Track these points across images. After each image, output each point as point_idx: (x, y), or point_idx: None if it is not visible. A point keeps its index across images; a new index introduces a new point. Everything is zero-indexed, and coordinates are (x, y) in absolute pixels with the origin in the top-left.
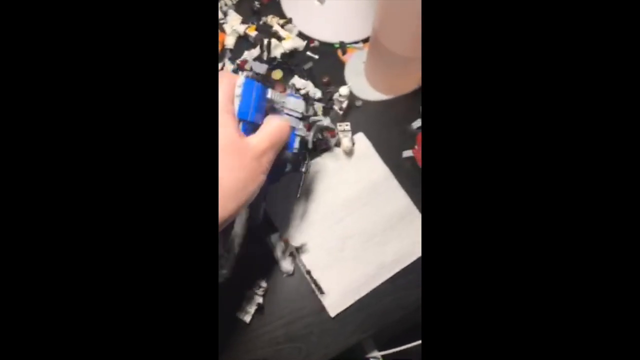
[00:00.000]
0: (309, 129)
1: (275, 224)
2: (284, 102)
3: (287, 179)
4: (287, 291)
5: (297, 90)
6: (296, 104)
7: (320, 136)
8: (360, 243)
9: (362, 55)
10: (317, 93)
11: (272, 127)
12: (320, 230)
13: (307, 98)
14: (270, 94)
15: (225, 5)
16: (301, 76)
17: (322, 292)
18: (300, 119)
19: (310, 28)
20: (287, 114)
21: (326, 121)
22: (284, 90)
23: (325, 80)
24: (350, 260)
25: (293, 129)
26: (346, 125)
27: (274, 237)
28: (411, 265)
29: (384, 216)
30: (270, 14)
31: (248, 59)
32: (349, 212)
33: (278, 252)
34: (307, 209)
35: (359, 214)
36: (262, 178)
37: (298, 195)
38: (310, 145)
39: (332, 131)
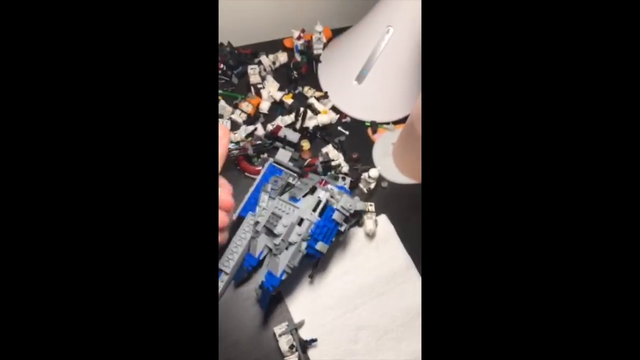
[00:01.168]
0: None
1: (287, 303)
2: (338, 198)
3: (303, 258)
4: None
5: (330, 161)
6: (347, 202)
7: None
8: (374, 337)
9: (391, 136)
10: (345, 167)
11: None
12: (333, 317)
13: (333, 168)
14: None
15: (264, 70)
16: (335, 147)
17: None
18: (348, 216)
19: (344, 104)
20: (338, 210)
21: (359, 204)
22: (311, 158)
23: (355, 156)
24: (361, 356)
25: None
26: (370, 206)
27: (278, 329)
28: None
29: (402, 310)
30: (306, 84)
31: (281, 124)
32: (364, 300)
33: (284, 347)
34: (321, 291)
35: (375, 304)
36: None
37: (312, 277)
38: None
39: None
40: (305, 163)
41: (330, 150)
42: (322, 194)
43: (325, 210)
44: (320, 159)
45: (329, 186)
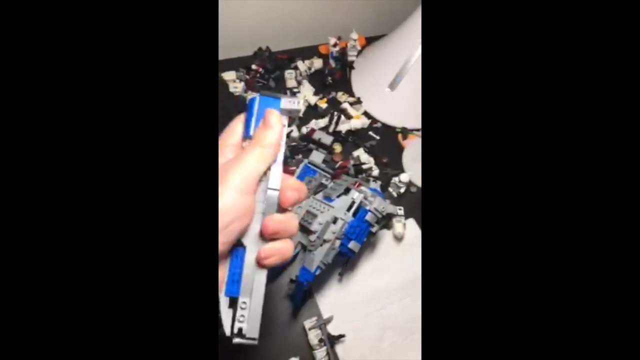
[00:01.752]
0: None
1: (317, 299)
2: (371, 200)
3: (334, 256)
4: None
5: (361, 164)
6: (380, 204)
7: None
8: (399, 337)
9: (421, 143)
10: (375, 171)
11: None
12: (360, 315)
13: (364, 170)
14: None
15: (300, 75)
16: (366, 151)
17: None
18: (380, 218)
19: (376, 110)
20: (371, 211)
21: (390, 207)
22: (343, 160)
23: (385, 160)
24: (387, 355)
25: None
26: (400, 210)
27: (308, 322)
28: None
29: None
30: (340, 89)
31: (315, 128)
32: (391, 301)
33: (313, 340)
34: (350, 290)
35: (401, 305)
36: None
37: (342, 275)
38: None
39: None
40: (337, 165)
41: (361, 153)
42: (356, 195)
43: (359, 211)
44: (352, 161)
45: (363, 188)
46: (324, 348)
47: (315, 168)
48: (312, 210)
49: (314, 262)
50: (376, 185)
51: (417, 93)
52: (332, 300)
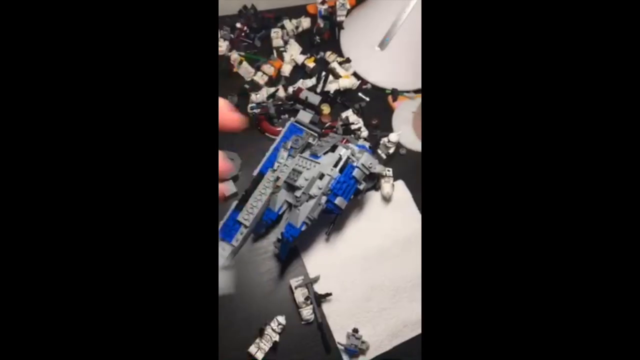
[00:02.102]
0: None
1: (303, 259)
2: (359, 156)
3: (321, 215)
4: (304, 334)
5: (350, 124)
6: (368, 160)
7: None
8: (387, 296)
9: (412, 105)
10: (365, 132)
11: None
12: (349, 273)
13: (352, 131)
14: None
15: (287, 35)
16: (355, 112)
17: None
18: (367, 175)
19: (366, 70)
20: (358, 167)
21: (378, 167)
22: (332, 121)
23: (374, 122)
24: (374, 313)
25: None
26: (388, 171)
27: (294, 281)
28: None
29: (415, 272)
30: (329, 49)
31: (302, 87)
32: (379, 261)
33: (299, 298)
34: (337, 250)
35: (389, 265)
36: None
37: (328, 234)
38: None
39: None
40: (326, 125)
41: (350, 114)
42: (343, 152)
43: (346, 167)
44: (340, 122)
45: (350, 144)
46: (310, 306)
47: (302, 127)
48: (298, 168)
49: (299, 218)
50: (365, 143)
51: (407, 53)
52: (319, 260)
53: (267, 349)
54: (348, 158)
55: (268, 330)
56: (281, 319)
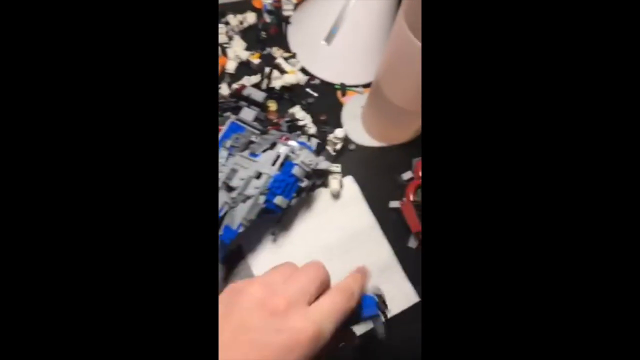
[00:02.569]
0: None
1: (247, 260)
2: (299, 154)
3: (265, 215)
4: None
5: (296, 120)
6: (307, 157)
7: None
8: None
9: (361, 100)
10: (313, 128)
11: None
12: None
13: (299, 128)
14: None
15: (232, 30)
16: (303, 108)
17: None
18: (310, 172)
19: (313, 65)
20: (298, 165)
21: (323, 163)
22: (278, 118)
23: (322, 118)
24: None
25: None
26: (336, 167)
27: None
28: (391, 319)
29: (367, 266)
30: (275, 45)
31: (246, 84)
32: (328, 258)
33: None
34: (285, 249)
35: (339, 261)
36: None
37: (275, 234)
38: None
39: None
40: (272, 122)
41: (297, 111)
42: (282, 149)
43: (285, 164)
44: (286, 118)
45: (290, 142)
46: None
47: (243, 125)
48: (236, 167)
49: (235, 220)
50: (310, 142)
51: (354, 47)
52: (266, 262)
53: None
54: (287, 156)
55: None
56: None
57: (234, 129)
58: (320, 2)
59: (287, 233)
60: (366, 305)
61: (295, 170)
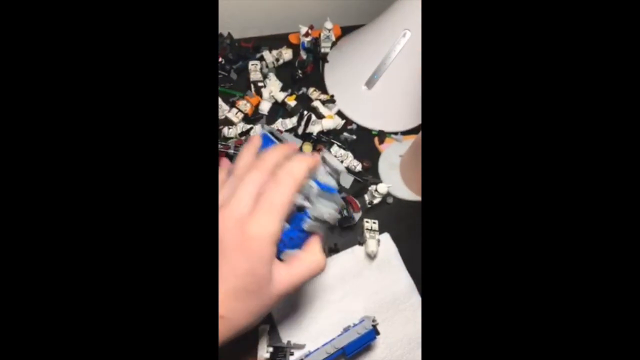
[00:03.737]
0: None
1: (277, 327)
2: (314, 201)
3: None
4: None
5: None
6: (323, 211)
7: (346, 212)
8: None
9: (400, 148)
10: (359, 166)
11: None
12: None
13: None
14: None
15: (267, 67)
16: (341, 147)
17: None
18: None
19: (351, 110)
20: (309, 219)
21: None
22: (314, 152)
23: (365, 164)
24: None
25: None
26: (374, 223)
27: (262, 328)
28: None
29: (402, 339)
30: (311, 85)
31: (281, 128)
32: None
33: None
34: (317, 316)
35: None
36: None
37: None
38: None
39: (356, 205)
40: None
41: (336, 150)
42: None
43: (295, 216)
44: (322, 153)
45: (310, 182)
46: None
47: (274, 139)
48: None
49: None
50: (329, 179)
51: (396, 93)
52: (295, 328)
53: None
54: (298, 205)
55: None
56: None
57: (265, 143)
58: (361, 43)
59: (319, 297)
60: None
61: (308, 226)
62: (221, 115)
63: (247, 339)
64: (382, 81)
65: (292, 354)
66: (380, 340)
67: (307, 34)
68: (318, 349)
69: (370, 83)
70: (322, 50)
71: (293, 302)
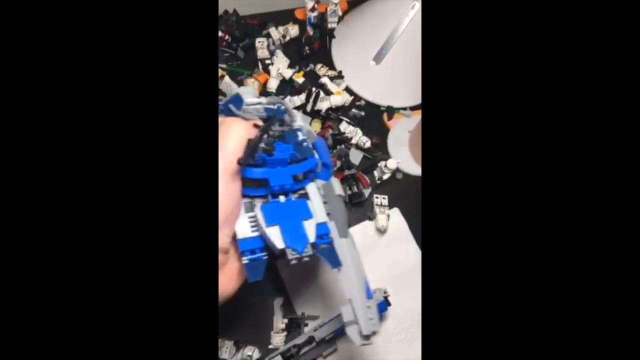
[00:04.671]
0: (341, 179)
1: (292, 299)
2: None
3: None
4: None
5: (342, 134)
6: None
7: (355, 188)
8: (382, 338)
9: (409, 124)
10: (368, 142)
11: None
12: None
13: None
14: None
15: (273, 44)
16: (350, 123)
17: None
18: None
19: (359, 86)
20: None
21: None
22: (323, 130)
23: (375, 140)
24: (369, 357)
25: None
26: (384, 199)
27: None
28: None
29: (412, 311)
30: (319, 61)
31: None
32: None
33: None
34: (329, 288)
35: (392, 302)
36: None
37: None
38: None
39: (365, 181)
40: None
41: (345, 127)
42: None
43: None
44: (331, 131)
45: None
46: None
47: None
48: None
49: None
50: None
51: (404, 68)
52: (309, 301)
53: None
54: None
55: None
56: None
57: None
58: (369, 17)
59: (330, 271)
60: None
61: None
62: (230, 94)
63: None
64: (390, 56)
65: (306, 324)
66: (391, 311)
67: (313, 9)
68: (332, 319)
69: (378, 58)
70: (329, 25)
71: (306, 277)
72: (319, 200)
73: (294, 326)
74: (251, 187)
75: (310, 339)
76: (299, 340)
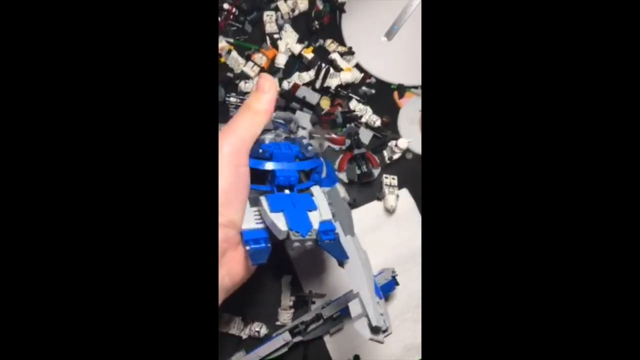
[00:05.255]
0: (350, 158)
1: (299, 278)
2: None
3: None
4: None
5: (352, 111)
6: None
7: (364, 168)
8: (391, 317)
9: (420, 103)
10: (378, 121)
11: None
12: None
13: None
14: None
15: (282, 18)
16: (360, 101)
17: None
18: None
19: (370, 63)
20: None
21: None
22: (332, 107)
23: (385, 119)
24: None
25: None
26: (393, 179)
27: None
28: None
29: (419, 291)
30: (328, 37)
31: (299, 82)
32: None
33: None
34: (336, 267)
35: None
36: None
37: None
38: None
39: (375, 161)
40: (323, 112)
41: (354, 104)
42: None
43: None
44: (340, 109)
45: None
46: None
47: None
48: None
49: None
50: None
51: (417, 44)
52: (316, 280)
53: None
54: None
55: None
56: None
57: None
58: None
59: None
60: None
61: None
62: (237, 69)
63: (273, 287)
64: (402, 32)
65: (313, 302)
66: (399, 291)
67: None
68: (339, 297)
69: (390, 34)
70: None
71: (314, 255)
72: (323, 200)
73: (301, 304)
74: (257, 184)
75: (318, 316)
76: (307, 317)
